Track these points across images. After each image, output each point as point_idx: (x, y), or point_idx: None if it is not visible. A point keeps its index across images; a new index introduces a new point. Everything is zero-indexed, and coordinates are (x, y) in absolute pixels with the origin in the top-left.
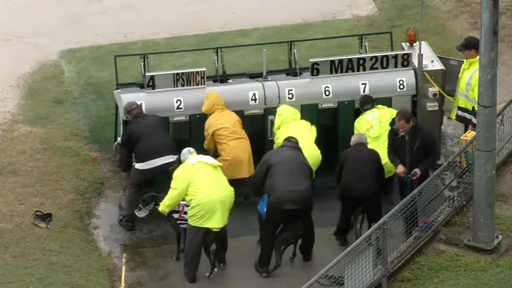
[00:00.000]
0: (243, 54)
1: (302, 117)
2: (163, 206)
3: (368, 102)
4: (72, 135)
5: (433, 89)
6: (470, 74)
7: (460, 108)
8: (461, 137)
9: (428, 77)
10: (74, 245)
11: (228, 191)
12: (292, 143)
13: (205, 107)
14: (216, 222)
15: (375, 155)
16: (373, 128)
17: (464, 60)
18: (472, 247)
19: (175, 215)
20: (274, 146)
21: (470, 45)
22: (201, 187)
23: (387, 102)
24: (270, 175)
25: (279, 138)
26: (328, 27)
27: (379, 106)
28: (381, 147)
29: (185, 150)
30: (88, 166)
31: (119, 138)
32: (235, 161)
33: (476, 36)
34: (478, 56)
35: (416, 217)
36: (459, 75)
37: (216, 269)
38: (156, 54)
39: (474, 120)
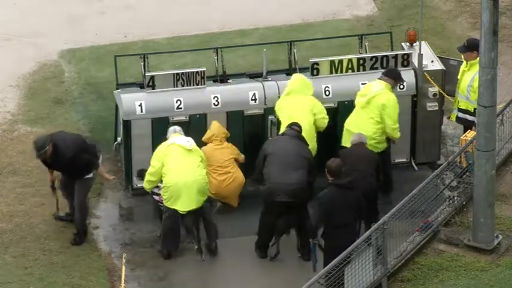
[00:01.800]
0: (243, 54)
1: None
2: (145, 182)
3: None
4: None
5: (433, 89)
6: (471, 76)
7: (460, 110)
8: (461, 137)
9: (428, 77)
10: (74, 245)
11: (196, 176)
12: (293, 131)
13: (206, 136)
14: (182, 205)
15: (374, 154)
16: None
17: (464, 61)
18: (472, 247)
19: (156, 197)
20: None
21: (472, 47)
22: (170, 169)
23: None
24: (266, 164)
25: (279, 109)
26: (328, 27)
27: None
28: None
29: (171, 128)
30: None
31: (119, 138)
32: (220, 195)
33: (476, 37)
34: (477, 59)
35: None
36: (459, 77)
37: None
38: (156, 54)
39: None
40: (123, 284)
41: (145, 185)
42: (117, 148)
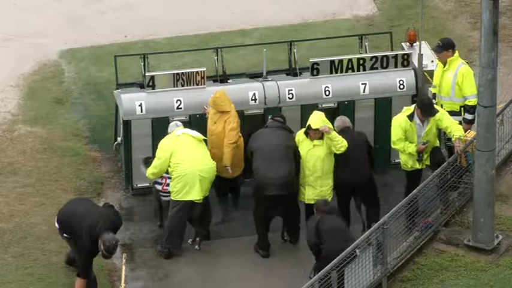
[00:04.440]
0: (243, 54)
1: (302, 118)
2: (149, 173)
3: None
4: (72, 135)
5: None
6: (454, 73)
7: None
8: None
9: (429, 77)
10: None
11: (209, 165)
12: (276, 122)
13: (229, 105)
14: (196, 195)
15: (362, 135)
16: None
17: (438, 63)
18: (472, 247)
19: (158, 187)
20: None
21: (448, 46)
22: (183, 159)
23: (387, 102)
24: (254, 160)
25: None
26: (328, 27)
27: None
28: None
29: (172, 123)
30: (88, 166)
31: (119, 138)
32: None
33: (476, 37)
34: (456, 54)
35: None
36: (436, 82)
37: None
38: (156, 54)
39: (469, 116)
40: (123, 284)
41: (149, 176)
42: (117, 148)
